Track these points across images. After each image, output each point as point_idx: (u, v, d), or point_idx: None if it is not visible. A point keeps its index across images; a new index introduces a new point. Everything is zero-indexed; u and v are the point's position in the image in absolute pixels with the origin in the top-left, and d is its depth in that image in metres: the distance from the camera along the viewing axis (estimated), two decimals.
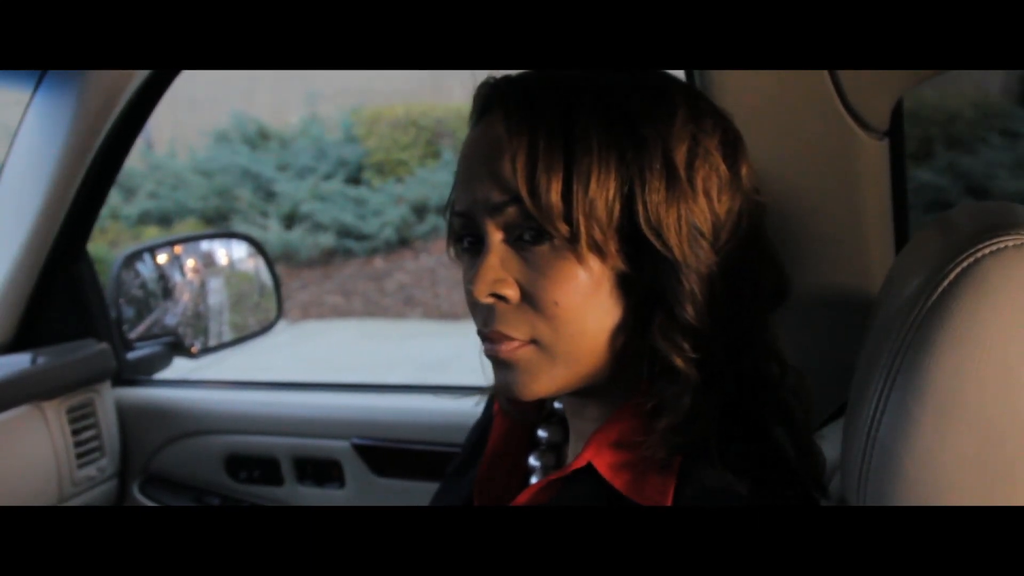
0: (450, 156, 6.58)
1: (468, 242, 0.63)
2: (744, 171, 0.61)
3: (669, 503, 0.57)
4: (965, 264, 0.50)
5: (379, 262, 6.38)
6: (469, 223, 0.61)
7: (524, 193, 0.56)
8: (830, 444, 0.74)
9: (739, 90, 0.81)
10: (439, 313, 5.76)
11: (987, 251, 0.49)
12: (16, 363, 1.26)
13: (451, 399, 1.24)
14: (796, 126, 0.81)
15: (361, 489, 1.30)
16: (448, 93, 6.92)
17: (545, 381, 0.60)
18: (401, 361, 4.73)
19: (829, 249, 0.84)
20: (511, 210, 0.58)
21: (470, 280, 0.60)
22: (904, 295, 0.54)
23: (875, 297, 0.68)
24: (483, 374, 0.72)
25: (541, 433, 0.71)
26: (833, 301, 0.84)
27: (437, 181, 6.36)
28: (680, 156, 0.58)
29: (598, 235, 0.56)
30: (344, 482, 1.31)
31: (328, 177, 6.71)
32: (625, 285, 0.59)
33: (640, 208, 0.56)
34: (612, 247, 0.57)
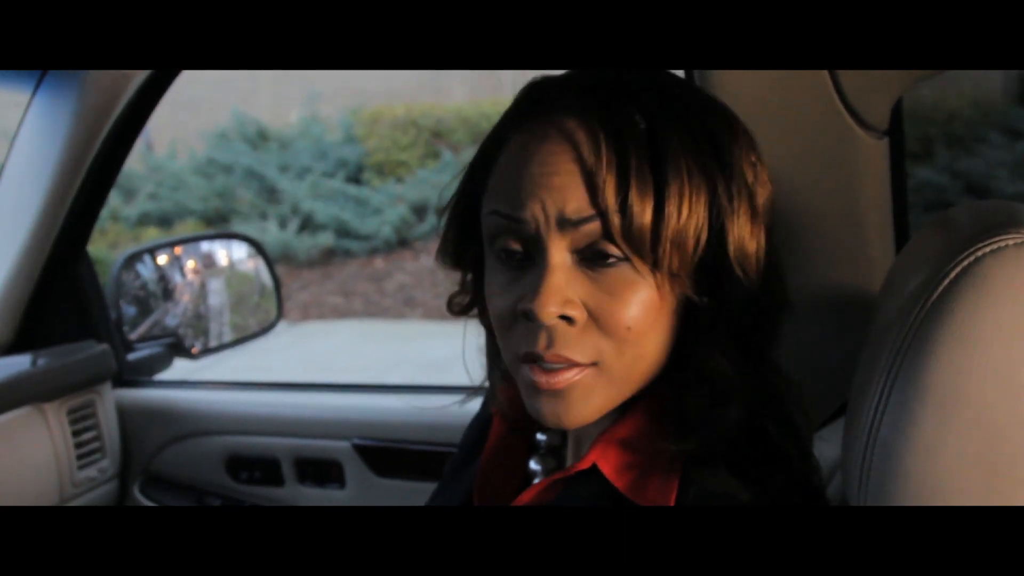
0: (450, 156, 6.58)
1: (505, 252, 0.57)
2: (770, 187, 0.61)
3: (671, 505, 0.57)
4: (965, 263, 0.50)
5: (379, 263, 6.38)
6: (521, 231, 0.56)
7: (612, 213, 0.53)
8: (830, 443, 0.74)
9: (739, 90, 0.80)
10: (439, 314, 5.74)
11: (987, 250, 0.49)
12: (16, 364, 1.26)
13: (451, 399, 1.24)
14: (796, 125, 0.81)
15: (362, 489, 1.30)
16: (448, 93, 6.93)
17: (597, 405, 0.57)
18: (401, 362, 4.72)
19: (829, 248, 0.84)
20: (589, 228, 0.54)
21: (530, 299, 0.54)
22: (904, 294, 0.54)
23: (875, 296, 0.68)
24: (469, 376, 0.71)
25: (540, 436, 0.71)
26: (833, 300, 0.84)
27: (437, 181, 6.36)
28: (752, 183, 0.57)
29: (678, 264, 0.54)
30: (345, 483, 1.31)
31: (328, 177, 6.71)
32: (686, 307, 0.57)
33: (731, 239, 0.55)
34: (687, 274, 0.55)
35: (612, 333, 0.55)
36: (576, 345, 0.55)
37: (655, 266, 0.54)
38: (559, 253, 0.55)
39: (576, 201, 0.53)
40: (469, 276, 0.67)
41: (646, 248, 0.53)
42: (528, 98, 0.59)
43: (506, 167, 0.57)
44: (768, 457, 0.59)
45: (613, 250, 0.54)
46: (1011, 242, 0.49)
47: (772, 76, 0.80)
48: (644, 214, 0.52)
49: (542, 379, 0.56)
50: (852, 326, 0.78)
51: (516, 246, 0.57)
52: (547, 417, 0.57)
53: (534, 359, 0.56)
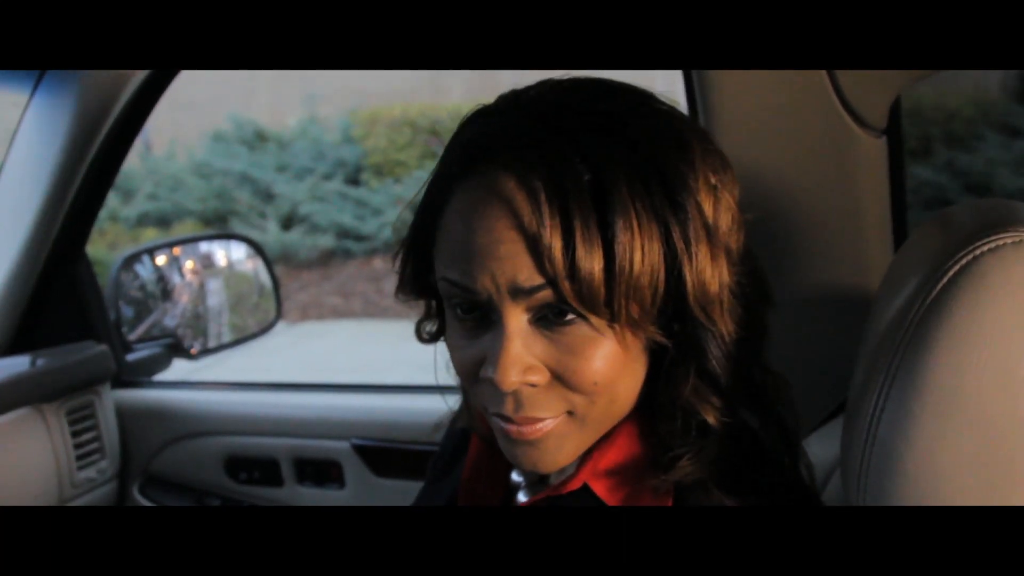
0: None
1: (462, 308, 0.56)
2: (737, 195, 0.58)
3: None
4: (964, 262, 0.50)
5: (378, 263, 6.38)
6: (474, 299, 0.54)
7: (562, 279, 0.51)
8: (830, 442, 0.74)
9: (738, 89, 0.80)
10: None
11: (986, 248, 0.49)
12: (15, 365, 1.26)
13: (450, 399, 1.24)
14: (794, 124, 0.81)
15: (361, 489, 1.30)
16: (446, 93, 6.92)
17: (572, 450, 0.57)
18: (400, 362, 4.72)
19: (828, 247, 0.84)
20: (542, 294, 0.52)
21: (492, 368, 0.53)
22: (903, 293, 0.54)
23: (874, 295, 0.68)
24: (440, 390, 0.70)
25: None
26: (832, 299, 0.84)
27: None
28: (710, 214, 0.54)
29: (638, 314, 0.52)
30: (344, 483, 1.31)
31: (327, 178, 6.71)
32: (653, 349, 0.56)
33: (689, 284, 0.53)
34: (649, 321, 0.54)
35: (580, 389, 0.54)
36: (543, 404, 0.55)
37: (613, 319, 0.52)
38: (515, 318, 0.53)
39: (525, 270, 0.52)
40: (434, 302, 0.66)
41: (600, 306, 0.51)
42: (464, 148, 0.56)
43: (452, 227, 0.55)
44: (759, 465, 0.59)
45: (569, 308, 0.52)
46: (1009, 240, 0.49)
47: (771, 76, 0.80)
48: (593, 274, 0.50)
49: (514, 430, 0.56)
50: (851, 324, 0.78)
51: (469, 306, 0.56)
52: (524, 463, 0.58)
53: (505, 419, 0.56)
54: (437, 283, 0.57)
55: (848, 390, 0.62)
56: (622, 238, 0.50)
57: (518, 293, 0.52)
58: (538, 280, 0.52)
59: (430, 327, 0.67)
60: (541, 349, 0.54)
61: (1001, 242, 0.49)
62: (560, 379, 0.54)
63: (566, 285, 0.51)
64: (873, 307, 0.64)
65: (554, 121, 0.53)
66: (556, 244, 0.50)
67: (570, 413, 0.56)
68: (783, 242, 0.84)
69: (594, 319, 0.52)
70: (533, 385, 0.54)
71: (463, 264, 0.54)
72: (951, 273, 0.50)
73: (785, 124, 0.81)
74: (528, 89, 0.57)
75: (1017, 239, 0.49)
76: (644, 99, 0.57)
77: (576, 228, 0.50)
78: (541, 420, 0.55)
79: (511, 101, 0.57)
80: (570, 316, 0.53)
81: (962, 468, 0.49)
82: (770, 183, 0.82)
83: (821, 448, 0.76)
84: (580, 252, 0.50)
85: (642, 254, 0.51)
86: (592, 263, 0.50)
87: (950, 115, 4.72)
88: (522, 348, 0.53)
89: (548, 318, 0.54)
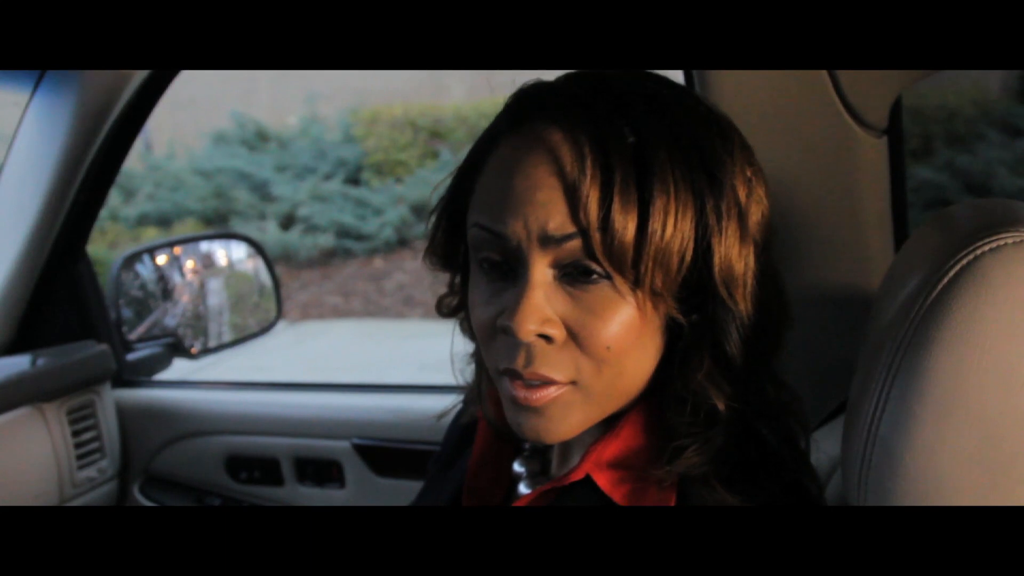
0: (448, 156, 6.57)
1: (489, 262, 0.57)
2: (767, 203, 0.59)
3: None
4: (964, 261, 0.50)
5: (378, 262, 6.38)
6: (503, 246, 0.55)
7: (594, 230, 0.51)
8: (830, 441, 0.74)
9: (739, 90, 0.81)
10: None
11: (986, 248, 0.49)
12: (16, 365, 1.26)
13: (451, 398, 1.24)
14: (795, 124, 0.81)
15: (361, 489, 1.30)
16: (447, 93, 6.92)
17: (576, 423, 0.57)
18: (401, 361, 4.72)
19: (829, 247, 0.84)
20: (571, 245, 0.52)
21: (510, 316, 0.54)
22: (904, 292, 0.54)
23: (874, 294, 0.68)
24: (456, 378, 0.70)
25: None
26: (833, 299, 0.84)
27: (436, 181, 6.32)
28: (744, 200, 0.55)
29: (661, 283, 0.53)
30: (344, 482, 1.31)
31: (327, 177, 6.71)
32: (670, 327, 0.56)
33: (716, 259, 0.53)
34: (671, 293, 0.54)
35: (591, 352, 0.54)
36: (554, 363, 0.55)
37: (637, 284, 0.53)
38: (540, 269, 0.54)
39: (558, 217, 0.52)
40: (458, 278, 0.66)
41: (627, 266, 0.52)
42: (517, 104, 0.58)
43: (491, 177, 0.56)
44: (764, 467, 0.59)
45: (595, 267, 0.53)
46: (1010, 240, 0.49)
47: (772, 75, 0.80)
48: (626, 231, 0.51)
49: (521, 394, 0.56)
50: (851, 324, 0.78)
51: (499, 258, 0.56)
52: (527, 432, 0.58)
53: (514, 374, 0.56)
54: (468, 231, 0.58)
55: (849, 389, 0.62)
56: (658, 202, 0.51)
57: (548, 241, 0.53)
58: (570, 228, 0.52)
59: (451, 301, 0.68)
60: (562, 305, 0.54)
61: (1002, 242, 0.49)
62: (575, 339, 0.54)
63: (597, 237, 0.51)
64: (874, 307, 0.64)
65: (605, 90, 0.55)
66: (593, 195, 0.51)
67: (575, 384, 0.56)
68: (784, 242, 0.84)
69: (618, 280, 0.53)
70: (549, 339, 0.54)
71: (497, 209, 0.54)
72: (952, 273, 0.50)
73: (786, 124, 0.81)
74: (581, 71, 0.59)
75: (1018, 239, 0.49)
76: (689, 92, 0.59)
77: (616, 183, 0.51)
78: (547, 384, 0.55)
79: (564, 77, 0.59)
80: (595, 276, 0.53)
81: (962, 467, 0.49)
82: (771, 183, 0.82)
83: (822, 447, 0.76)
84: (616, 206, 0.51)
85: (675, 220, 0.52)
86: (626, 220, 0.51)
87: (951, 115, 4.72)
88: (543, 300, 0.54)
89: (573, 275, 0.54)
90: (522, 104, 0.57)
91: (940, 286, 0.50)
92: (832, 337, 0.83)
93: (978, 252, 0.49)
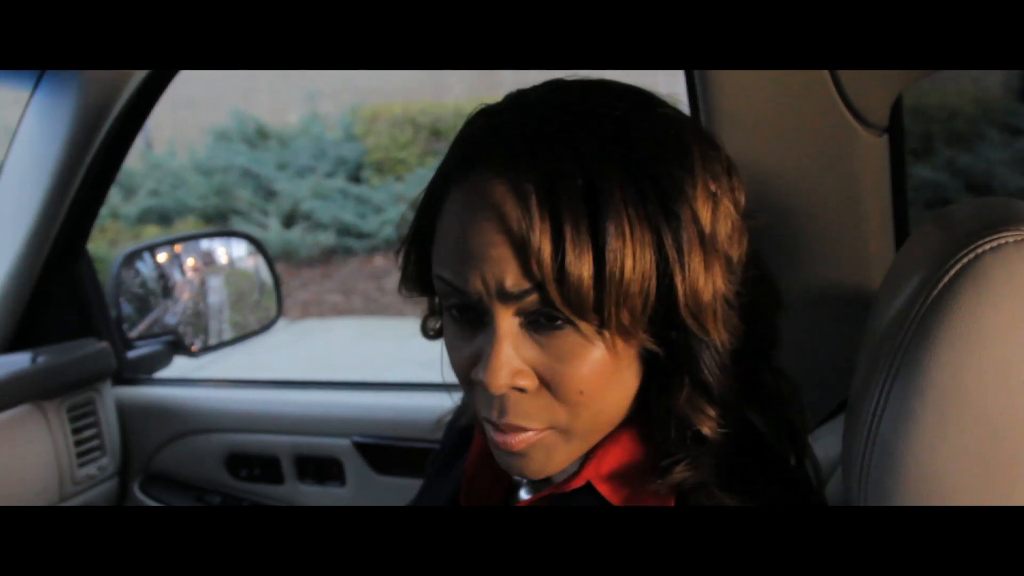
0: None
1: (457, 308, 0.56)
2: (743, 201, 0.58)
3: None
4: (965, 260, 0.50)
5: (379, 260, 6.38)
6: (466, 300, 0.54)
7: (550, 282, 0.50)
8: (830, 441, 0.74)
9: (740, 89, 0.80)
10: None
11: (987, 247, 0.49)
12: (16, 362, 1.26)
13: (451, 397, 1.24)
14: (795, 123, 0.81)
15: (362, 487, 1.30)
16: (447, 91, 6.92)
17: (561, 460, 0.57)
18: (401, 359, 4.72)
19: (829, 246, 0.84)
20: (531, 298, 0.52)
21: (481, 370, 0.54)
22: (904, 291, 0.54)
23: (875, 294, 0.68)
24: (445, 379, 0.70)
25: None
26: (833, 298, 0.84)
27: None
28: (707, 221, 0.53)
29: (628, 321, 0.52)
30: (345, 480, 1.31)
31: (328, 175, 6.71)
32: (645, 358, 0.56)
33: (680, 293, 0.52)
34: (640, 328, 0.53)
35: (565, 398, 0.54)
36: (529, 412, 0.55)
37: (603, 325, 0.52)
38: (506, 320, 0.53)
39: (513, 274, 0.51)
40: (437, 299, 0.66)
41: (589, 311, 0.51)
42: (463, 148, 0.56)
43: (447, 227, 0.55)
44: (762, 465, 0.59)
45: (558, 314, 0.52)
46: (1011, 239, 0.49)
47: (773, 75, 0.80)
48: (582, 279, 0.50)
49: (501, 439, 0.56)
50: (852, 323, 0.78)
51: (462, 307, 0.56)
52: (513, 471, 0.58)
53: (489, 424, 0.57)
54: (433, 280, 0.57)
55: (849, 389, 0.62)
56: (613, 244, 0.50)
57: (507, 297, 0.52)
58: (525, 284, 0.51)
59: (434, 324, 0.68)
60: (531, 353, 0.54)
61: (1003, 241, 0.49)
62: (548, 386, 0.54)
63: (553, 288, 0.50)
64: (874, 306, 0.64)
65: (552, 123, 0.53)
66: (545, 247, 0.50)
67: (553, 428, 0.56)
68: (784, 241, 0.84)
69: (583, 325, 0.52)
70: (522, 390, 0.54)
71: (456, 265, 0.54)
72: (952, 272, 0.50)
73: (787, 123, 0.81)
74: (532, 89, 0.57)
75: (1019, 238, 0.49)
76: (647, 102, 0.56)
77: (566, 232, 0.50)
78: (524, 431, 0.55)
79: (513, 101, 0.57)
80: (559, 321, 0.52)
81: (963, 467, 0.49)
82: (772, 182, 0.82)
83: (822, 447, 0.76)
84: (569, 256, 0.50)
85: (633, 260, 0.50)
86: (581, 268, 0.50)
87: (951, 114, 4.72)
88: (512, 351, 0.53)
89: (539, 323, 0.53)
90: (467, 150, 0.56)
91: (941, 285, 0.50)
92: (832, 337, 0.83)
93: (979, 251, 0.49)
